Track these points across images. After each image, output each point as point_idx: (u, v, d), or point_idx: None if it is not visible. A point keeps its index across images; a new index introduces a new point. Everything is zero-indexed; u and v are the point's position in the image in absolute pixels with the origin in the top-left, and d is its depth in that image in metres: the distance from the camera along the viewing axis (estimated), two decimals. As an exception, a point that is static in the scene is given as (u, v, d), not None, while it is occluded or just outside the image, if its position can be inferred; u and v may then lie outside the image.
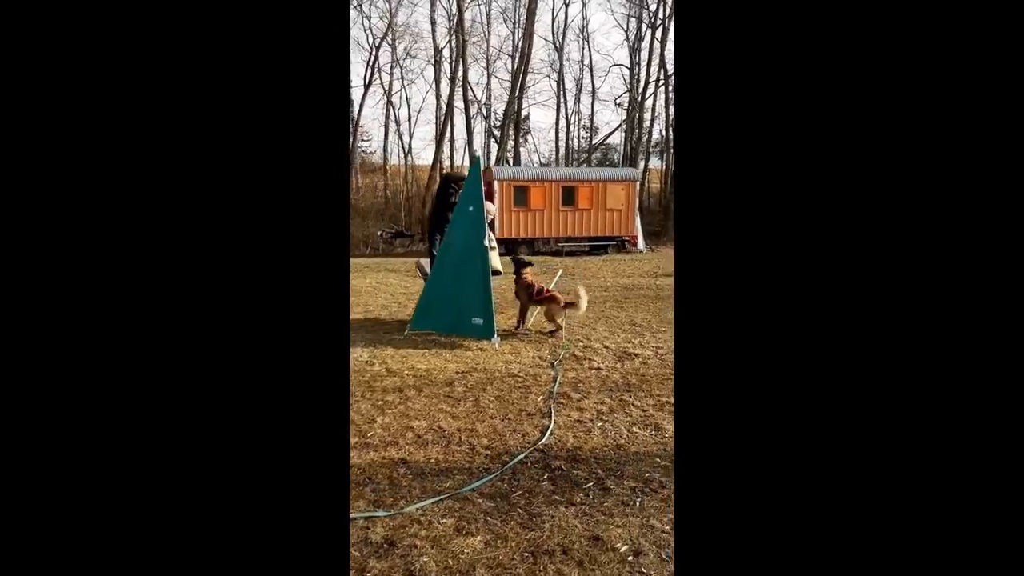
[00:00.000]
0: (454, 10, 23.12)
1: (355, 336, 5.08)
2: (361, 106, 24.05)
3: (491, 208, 5.25)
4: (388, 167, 26.92)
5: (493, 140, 26.87)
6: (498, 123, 26.37)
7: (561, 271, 7.90)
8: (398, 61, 25.65)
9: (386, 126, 22.27)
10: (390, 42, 24.54)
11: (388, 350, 4.59)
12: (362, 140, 27.30)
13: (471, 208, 4.99)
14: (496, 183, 14.29)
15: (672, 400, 3.34)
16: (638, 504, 2.16)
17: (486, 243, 5.08)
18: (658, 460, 2.56)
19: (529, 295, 5.18)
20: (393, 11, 22.00)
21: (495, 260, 5.27)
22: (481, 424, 3.02)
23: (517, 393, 3.52)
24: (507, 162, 24.23)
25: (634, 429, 2.93)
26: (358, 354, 4.47)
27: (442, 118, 24.89)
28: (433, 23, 25.59)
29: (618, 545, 1.88)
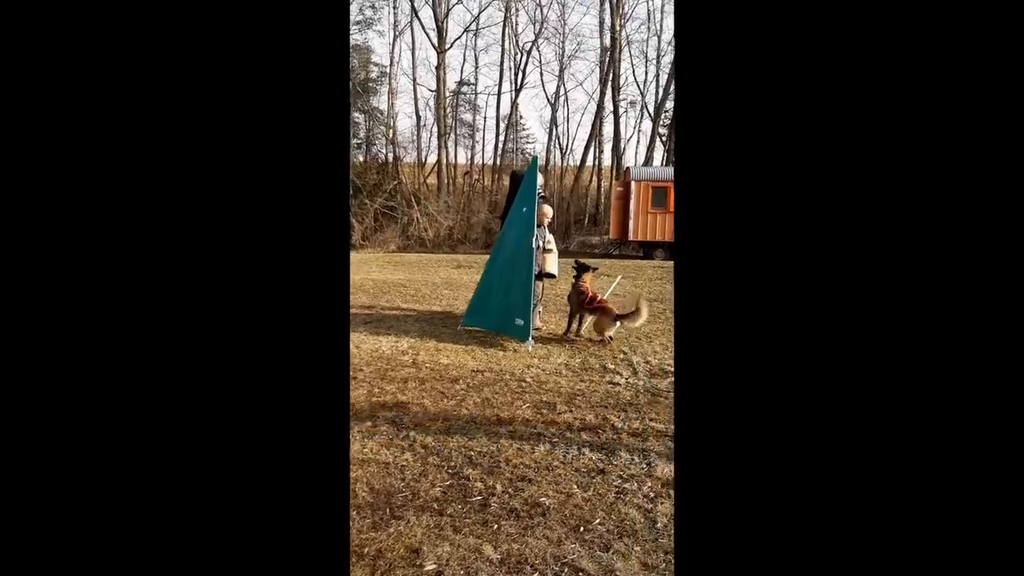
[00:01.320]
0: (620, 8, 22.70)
1: (412, 327, 5.41)
2: (514, 106, 24.87)
3: (547, 210, 5.16)
4: (550, 168, 27.57)
5: (660, 141, 25.89)
6: (665, 124, 25.34)
7: (620, 277, 7.42)
8: (562, 63, 26.03)
9: (550, 129, 22.71)
10: (559, 44, 25.02)
11: (430, 343, 4.81)
12: (527, 143, 28.25)
13: (524, 209, 4.98)
14: (633, 184, 13.85)
15: (657, 426, 3.02)
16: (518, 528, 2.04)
17: (540, 244, 5.04)
18: (558, 480, 2.36)
19: (580, 302, 5.00)
20: (545, 14, 22.32)
21: (552, 263, 5.18)
22: (438, 423, 3.06)
23: (508, 398, 3.48)
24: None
25: (581, 451, 2.72)
26: (399, 344, 4.76)
27: (600, 119, 24.69)
28: (602, 23, 25.48)
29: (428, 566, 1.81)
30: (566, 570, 1.78)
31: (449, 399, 3.44)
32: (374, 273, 9.87)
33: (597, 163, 24.67)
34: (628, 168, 15.76)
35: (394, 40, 21.23)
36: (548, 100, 23.58)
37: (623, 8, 19.39)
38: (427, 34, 19.36)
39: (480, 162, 25.63)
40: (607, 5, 18.58)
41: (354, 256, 14.08)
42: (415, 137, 22.04)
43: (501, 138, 23.16)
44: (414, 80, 20.42)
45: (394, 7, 18.47)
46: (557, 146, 25.90)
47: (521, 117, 28.81)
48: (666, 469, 2.51)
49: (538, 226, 5.02)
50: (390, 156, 20.45)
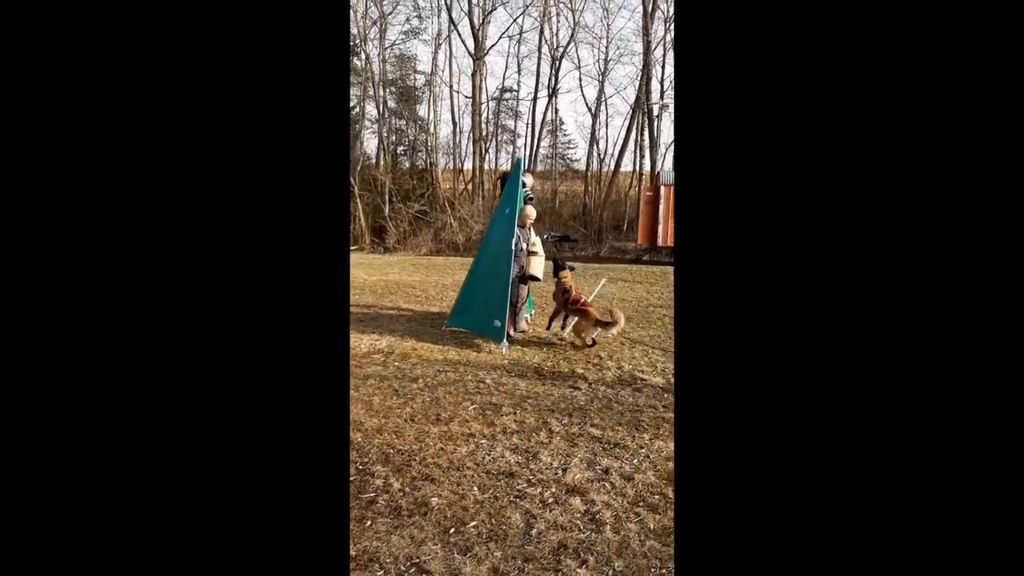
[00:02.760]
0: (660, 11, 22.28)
1: (400, 327, 5.46)
2: (545, 113, 24.69)
3: (530, 211, 5.08)
4: (590, 173, 27.30)
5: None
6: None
7: (604, 280, 7.19)
8: (602, 68, 25.77)
9: (592, 132, 22.52)
10: (599, 48, 24.75)
11: (409, 342, 4.84)
12: (568, 148, 28.10)
13: (507, 210, 4.95)
14: (662, 188, 13.51)
15: (594, 431, 2.92)
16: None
17: (524, 246, 4.99)
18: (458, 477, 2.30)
19: (564, 301, 4.91)
20: (578, 19, 22.09)
21: (536, 266, 5.10)
22: (376, 419, 3.06)
23: (458, 399, 3.45)
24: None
25: (502, 453, 2.66)
26: (378, 343, 4.81)
27: (639, 123, 24.27)
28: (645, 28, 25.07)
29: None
30: (412, 570, 1.73)
31: (400, 397, 3.44)
32: (392, 275, 10.03)
33: (637, 168, 24.27)
34: (658, 172, 15.35)
35: (436, 48, 21.61)
36: (588, 106, 23.35)
37: (660, 12, 19.02)
38: (463, 41, 19.57)
39: (531, 167, 25.67)
40: (648, 9, 18.27)
41: (383, 259, 14.38)
42: (453, 144, 22.34)
43: (542, 143, 23.15)
44: (450, 87, 20.70)
45: (439, 16, 18.79)
46: (596, 152, 25.65)
47: (562, 123, 28.65)
48: (578, 475, 2.42)
49: (521, 227, 4.98)
50: (429, 162, 20.79)
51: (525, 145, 22.22)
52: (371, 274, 10.02)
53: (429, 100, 21.80)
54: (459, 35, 19.18)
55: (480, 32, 18.16)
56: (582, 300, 4.86)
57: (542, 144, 24.72)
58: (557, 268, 5.05)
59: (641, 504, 2.18)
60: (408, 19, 25.64)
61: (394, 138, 21.72)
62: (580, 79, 31.75)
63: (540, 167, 24.93)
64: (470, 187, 20.44)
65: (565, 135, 27.72)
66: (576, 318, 4.87)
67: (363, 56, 19.95)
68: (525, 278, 5.08)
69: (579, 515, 2.09)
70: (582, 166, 31.00)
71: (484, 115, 20.27)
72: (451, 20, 18.79)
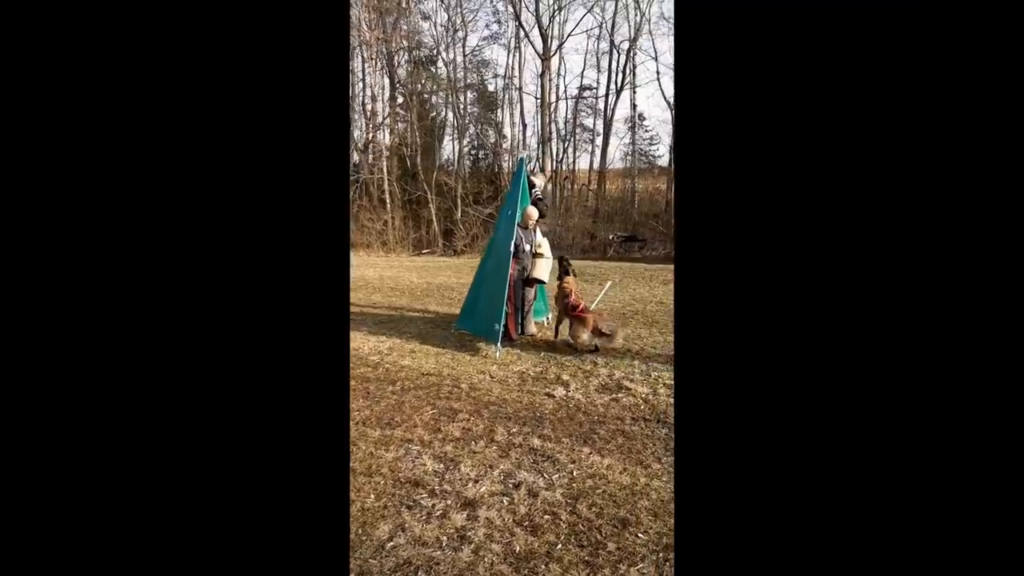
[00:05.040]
0: None
1: (412, 329, 5.54)
2: (612, 110, 23.98)
3: (532, 213, 4.94)
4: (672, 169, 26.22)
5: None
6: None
7: (611, 283, 6.73)
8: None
9: (674, 130, 21.67)
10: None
11: (412, 344, 4.91)
12: (649, 145, 27.22)
13: (510, 212, 4.87)
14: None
15: (533, 441, 2.79)
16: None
17: (527, 248, 4.88)
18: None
19: (565, 307, 4.75)
20: (646, 11, 21.11)
21: (542, 268, 4.96)
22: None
23: (420, 404, 3.44)
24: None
25: (425, 461, 2.61)
26: (381, 345, 4.92)
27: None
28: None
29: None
30: None
31: (367, 400, 3.49)
32: (440, 278, 10.21)
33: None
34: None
35: (511, 52, 21.80)
36: (667, 102, 22.46)
37: None
38: (531, 43, 19.56)
39: (601, 166, 25.23)
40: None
41: (448, 261, 14.70)
42: (521, 145, 22.37)
43: (623, 139, 22.56)
44: (519, 89, 20.75)
45: (514, 20, 18.91)
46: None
47: (642, 118, 27.76)
48: (484, 488, 2.32)
49: (524, 228, 4.87)
50: (497, 165, 21.02)
51: (603, 144, 21.74)
52: (422, 277, 10.29)
53: (503, 103, 22.06)
54: (526, 35, 19.18)
55: (548, 32, 18.06)
56: (581, 306, 4.67)
57: (623, 140, 24.04)
58: (562, 272, 4.90)
59: (524, 524, 2.05)
60: (488, 24, 26.07)
61: (466, 142, 22.17)
62: (658, 72, 30.56)
63: (620, 164, 24.32)
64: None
65: (647, 131, 26.83)
66: (574, 323, 4.69)
67: (441, 64, 20.59)
68: (529, 280, 4.97)
69: (451, 531, 2.00)
70: (665, 163, 29.89)
71: (556, 115, 20.15)
72: (519, 22, 18.85)
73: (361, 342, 5.00)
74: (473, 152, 22.44)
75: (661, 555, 1.85)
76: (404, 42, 19.68)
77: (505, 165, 20.89)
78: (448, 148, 22.13)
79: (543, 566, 1.79)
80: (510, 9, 18.80)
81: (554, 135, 19.64)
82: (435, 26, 20.69)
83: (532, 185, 5.37)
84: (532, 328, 5.20)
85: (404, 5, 19.30)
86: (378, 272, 11.05)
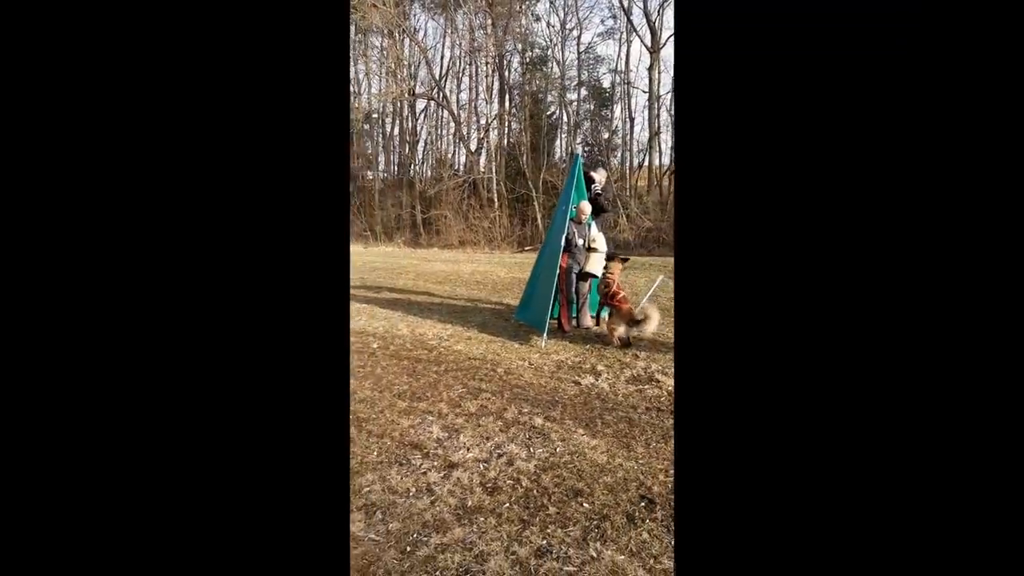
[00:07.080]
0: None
1: (476, 318, 5.90)
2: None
3: (585, 208, 5.04)
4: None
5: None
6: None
7: (662, 277, 6.38)
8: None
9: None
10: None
11: (471, 332, 5.26)
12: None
13: (564, 207, 5.03)
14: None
15: (536, 420, 2.99)
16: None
17: (581, 242, 5.02)
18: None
19: (604, 294, 4.83)
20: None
21: (595, 263, 5.06)
22: (367, 392, 3.56)
23: (454, 383, 3.77)
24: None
25: (433, 429, 2.92)
26: (443, 331, 5.33)
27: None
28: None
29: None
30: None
31: (410, 377, 3.89)
32: (527, 272, 10.47)
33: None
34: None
35: (621, 46, 21.49)
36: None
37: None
38: (638, 36, 19.13)
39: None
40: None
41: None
42: (629, 139, 21.95)
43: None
44: (627, 83, 20.40)
45: (626, 15, 18.76)
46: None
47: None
48: (471, 454, 2.58)
49: (577, 223, 5.01)
50: (598, 160, 20.87)
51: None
52: (511, 272, 10.68)
53: (613, 98, 21.85)
54: (634, 29, 18.81)
55: (657, 23, 17.61)
56: (620, 295, 4.72)
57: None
58: (608, 260, 4.98)
59: (487, 486, 2.28)
60: (603, 20, 25.86)
61: (579, 140, 22.26)
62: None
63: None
64: (644, 183, 19.98)
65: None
66: (612, 313, 4.75)
67: (553, 63, 20.91)
68: (584, 274, 5.10)
69: (422, 485, 2.30)
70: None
71: (663, 109, 19.57)
72: (627, 16, 18.58)
73: (427, 328, 5.45)
74: (584, 147, 22.48)
75: (595, 522, 2.00)
76: (517, 44, 20.29)
77: (613, 161, 20.74)
78: (559, 147, 22.41)
79: (482, 519, 2.03)
80: (619, 4, 18.63)
81: (664, 129, 19.14)
82: (547, 26, 21.00)
83: (591, 180, 5.48)
84: (588, 321, 5.32)
85: (517, 8, 19.88)
86: (472, 267, 11.63)
